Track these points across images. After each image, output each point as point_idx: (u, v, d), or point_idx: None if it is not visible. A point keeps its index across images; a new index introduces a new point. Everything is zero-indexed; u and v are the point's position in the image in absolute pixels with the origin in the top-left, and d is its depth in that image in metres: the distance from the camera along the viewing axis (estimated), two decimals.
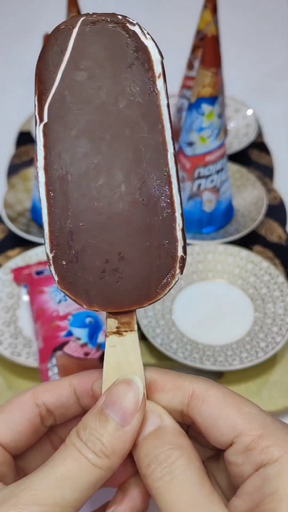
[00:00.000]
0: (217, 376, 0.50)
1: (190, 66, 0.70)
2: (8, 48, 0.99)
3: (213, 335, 0.51)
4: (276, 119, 0.81)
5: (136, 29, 0.28)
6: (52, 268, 0.27)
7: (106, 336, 0.28)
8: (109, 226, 0.27)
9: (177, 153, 0.59)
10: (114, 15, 0.28)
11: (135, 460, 0.24)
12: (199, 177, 0.58)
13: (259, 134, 0.77)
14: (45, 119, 0.26)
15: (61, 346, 0.45)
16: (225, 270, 0.56)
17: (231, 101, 0.78)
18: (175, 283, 0.28)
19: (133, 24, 0.28)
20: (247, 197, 0.65)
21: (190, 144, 0.57)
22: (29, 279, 0.53)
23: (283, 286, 0.53)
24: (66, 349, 0.45)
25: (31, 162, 0.72)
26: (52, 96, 0.27)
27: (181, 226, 0.27)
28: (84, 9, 0.67)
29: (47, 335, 0.46)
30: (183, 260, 0.27)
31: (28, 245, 0.60)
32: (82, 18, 0.27)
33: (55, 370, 0.43)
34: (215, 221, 0.61)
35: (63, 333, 0.46)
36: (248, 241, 0.61)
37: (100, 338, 0.46)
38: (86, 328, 0.46)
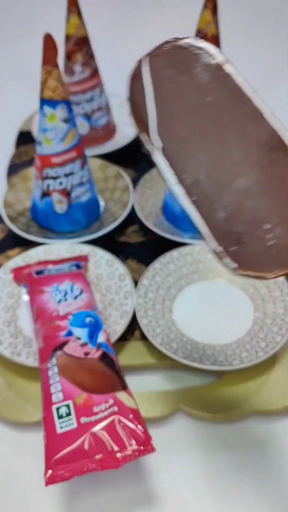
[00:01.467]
0: (217, 376, 0.50)
1: None
2: (9, 47, 0.99)
3: (213, 334, 0.51)
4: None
5: (188, 40, 0.32)
6: (226, 260, 0.29)
7: None
8: (251, 198, 0.28)
9: None
10: (167, 42, 0.33)
11: None
12: None
13: None
14: (160, 144, 0.30)
15: (61, 346, 0.44)
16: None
17: None
18: None
19: (184, 39, 0.33)
20: None
21: None
22: (29, 279, 0.53)
23: (283, 286, 0.53)
24: (66, 348, 0.44)
25: (31, 161, 0.72)
26: (157, 124, 0.31)
27: None
28: (84, 10, 0.67)
29: (47, 335, 0.46)
30: None
31: (28, 244, 0.60)
32: (148, 57, 0.32)
33: (55, 369, 0.43)
34: None
35: (63, 332, 0.45)
36: None
37: (100, 338, 0.46)
38: (86, 328, 0.46)
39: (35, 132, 0.74)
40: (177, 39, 0.32)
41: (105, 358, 0.44)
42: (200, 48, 0.32)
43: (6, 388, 0.48)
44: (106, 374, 0.42)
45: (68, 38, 0.68)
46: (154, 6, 1.10)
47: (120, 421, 0.39)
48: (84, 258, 0.56)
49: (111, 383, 0.42)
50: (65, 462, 0.37)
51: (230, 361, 0.48)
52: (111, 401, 0.40)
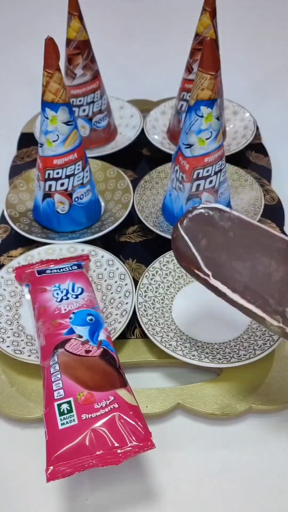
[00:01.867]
0: (215, 373, 0.50)
1: (189, 69, 0.71)
2: (11, 51, 1.00)
3: (211, 332, 0.52)
4: (274, 121, 0.82)
5: (201, 207, 0.46)
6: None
7: None
8: (286, 283, 0.43)
9: (177, 155, 0.60)
10: (189, 211, 0.46)
11: None
12: (198, 178, 0.59)
13: (257, 136, 0.78)
14: (209, 272, 0.42)
15: (62, 344, 0.45)
16: None
17: (229, 104, 0.78)
18: None
19: (197, 207, 0.46)
20: (245, 197, 0.65)
21: (189, 145, 0.58)
22: (31, 278, 0.53)
23: None
24: (68, 346, 0.44)
25: (33, 163, 0.73)
26: (201, 260, 0.43)
27: None
28: (85, 13, 0.68)
29: (49, 333, 0.46)
30: None
31: (30, 244, 0.61)
32: (179, 223, 0.45)
33: (57, 367, 0.43)
34: None
35: (65, 331, 0.46)
36: None
37: (101, 336, 0.46)
38: (87, 326, 0.47)
39: (37, 134, 0.74)
40: (194, 208, 0.45)
41: (105, 355, 0.44)
42: (213, 208, 0.45)
43: (8, 385, 0.49)
44: (107, 372, 0.43)
45: (69, 41, 0.69)
46: (154, 9, 1.10)
47: (120, 418, 0.39)
48: (85, 258, 0.57)
49: (112, 381, 0.42)
50: (66, 459, 0.37)
51: (228, 359, 0.48)
52: (111, 398, 0.40)
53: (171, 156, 0.64)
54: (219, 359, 0.48)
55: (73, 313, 0.48)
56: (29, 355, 0.49)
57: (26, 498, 0.43)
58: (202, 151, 0.57)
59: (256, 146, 0.77)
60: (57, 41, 0.53)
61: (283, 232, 0.64)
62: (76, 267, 0.55)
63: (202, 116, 0.56)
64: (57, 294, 0.50)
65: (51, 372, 0.43)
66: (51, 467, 0.37)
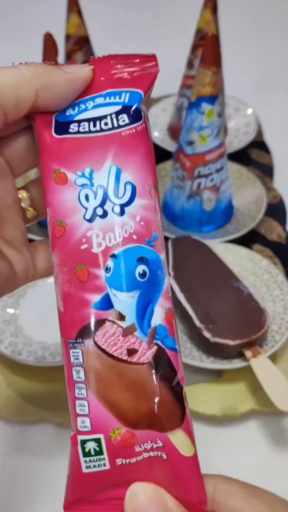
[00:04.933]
0: (216, 374, 0.50)
1: (190, 65, 0.70)
2: (9, 46, 0.99)
3: None
4: (276, 118, 0.81)
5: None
6: (205, 332, 0.48)
7: None
8: (221, 305, 0.51)
9: (177, 152, 0.60)
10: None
11: None
12: (199, 176, 0.58)
13: (259, 133, 0.77)
14: (172, 273, 0.54)
15: (90, 329, 0.25)
16: None
17: (231, 100, 0.78)
18: None
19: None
20: (247, 196, 0.65)
21: (190, 143, 0.57)
22: (44, 140, 0.26)
23: (283, 285, 0.53)
24: (99, 337, 0.25)
25: None
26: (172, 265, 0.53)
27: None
28: (84, 9, 0.67)
29: (69, 292, 0.26)
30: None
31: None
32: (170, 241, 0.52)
33: (81, 373, 0.26)
34: (215, 220, 0.61)
35: (96, 297, 0.25)
36: (248, 240, 0.61)
37: (157, 314, 0.26)
38: (135, 292, 0.25)
39: None
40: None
41: (159, 363, 0.26)
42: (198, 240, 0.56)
43: (6, 387, 0.48)
44: (161, 395, 0.26)
45: (68, 37, 0.68)
46: (154, 5, 1.09)
47: (167, 474, 0.27)
48: (149, 75, 0.27)
49: (166, 413, 0.26)
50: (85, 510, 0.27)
51: (229, 360, 0.48)
52: (159, 443, 0.26)
53: (172, 154, 0.63)
54: (221, 360, 0.48)
55: (113, 256, 0.25)
56: (27, 356, 0.48)
57: (25, 501, 0.43)
58: (203, 148, 0.57)
59: (259, 144, 0.76)
60: (56, 37, 0.53)
61: (285, 231, 0.63)
62: (126, 118, 0.26)
63: (203, 113, 0.55)
64: (87, 197, 0.26)
65: (74, 378, 0.26)
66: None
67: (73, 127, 0.26)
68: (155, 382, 0.25)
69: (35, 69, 0.25)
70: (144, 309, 0.26)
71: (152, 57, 0.27)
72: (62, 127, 0.26)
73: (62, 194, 0.26)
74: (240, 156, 0.72)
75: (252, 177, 0.66)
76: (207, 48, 0.54)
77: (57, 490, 0.43)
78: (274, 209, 0.66)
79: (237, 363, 0.47)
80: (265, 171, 0.71)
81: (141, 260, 0.26)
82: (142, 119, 0.26)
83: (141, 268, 0.25)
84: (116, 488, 0.25)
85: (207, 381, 0.49)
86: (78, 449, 0.26)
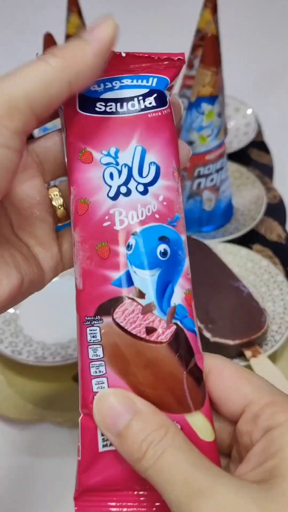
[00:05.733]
0: None
1: (190, 65, 0.70)
2: (9, 47, 0.99)
3: None
4: (276, 118, 0.81)
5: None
6: (204, 332, 0.48)
7: None
8: (221, 306, 0.51)
9: None
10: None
11: (122, 451, 0.25)
12: (199, 176, 0.58)
13: (259, 133, 0.77)
14: None
15: (109, 306, 0.25)
16: None
17: (230, 100, 0.78)
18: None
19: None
20: (246, 196, 0.65)
21: (190, 143, 0.57)
22: (70, 113, 0.26)
23: (283, 285, 0.53)
24: (118, 314, 0.25)
25: None
26: None
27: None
28: (84, 9, 0.67)
29: (89, 269, 0.25)
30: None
31: None
32: None
33: (99, 351, 0.25)
34: (215, 220, 0.61)
35: (117, 275, 0.25)
36: (248, 240, 0.61)
37: (177, 294, 0.25)
38: (156, 270, 0.25)
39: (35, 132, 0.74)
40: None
41: (177, 342, 0.25)
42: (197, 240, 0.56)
43: (6, 386, 0.48)
44: (177, 377, 0.25)
45: (68, 37, 0.68)
46: (154, 5, 1.09)
47: None
48: (174, 67, 0.27)
49: (182, 395, 0.25)
50: (99, 493, 0.26)
51: (229, 359, 0.48)
52: (177, 426, 0.25)
53: None
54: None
55: (135, 234, 0.25)
56: (27, 356, 0.48)
57: (24, 500, 0.43)
58: (203, 148, 0.57)
59: (258, 144, 0.76)
60: (56, 37, 0.53)
61: (285, 231, 0.63)
62: (153, 101, 0.26)
63: (203, 113, 0.55)
64: (111, 176, 0.26)
65: (90, 356, 0.25)
66: (80, 501, 0.26)
67: (100, 106, 0.26)
68: (174, 361, 0.25)
69: (63, 58, 0.23)
70: (164, 288, 0.25)
71: (180, 53, 0.27)
72: (88, 104, 0.26)
73: (87, 173, 0.26)
74: (240, 156, 0.72)
75: (252, 177, 0.66)
76: (207, 48, 0.54)
77: (57, 490, 0.44)
78: (274, 209, 0.66)
79: (237, 362, 0.47)
80: (265, 171, 0.72)
81: (162, 239, 0.25)
82: (168, 105, 0.26)
83: (162, 247, 0.25)
84: (133, 473, 0.25)
85: None
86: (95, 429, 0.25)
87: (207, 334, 0.48)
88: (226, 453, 0.27)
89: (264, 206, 0.62)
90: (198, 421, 0.25)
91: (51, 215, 0.28)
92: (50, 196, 0.28)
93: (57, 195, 0.28)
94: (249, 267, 0.56)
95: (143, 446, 0.24)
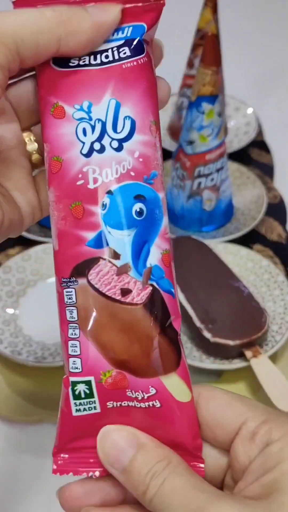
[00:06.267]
0: (216, 374, 0.50)
1: (190, 64, 0.70)
2: None
3: None
4: (276, 118, 0.81)
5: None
6: (205, 332, 0.48)
7: None
8: (221, 305, 0.51)
9: (177, 152, 0.60)
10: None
11: (128, 486, 0.25)
12: (199, 176, 0.58)
13: (259, 133, 0.77)
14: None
15: (84, 267, 0.25)
16: None
17: (231, 100, 0.78)
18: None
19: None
20: (247, 195, 0.65)
21: (190, 142, 0.57)
22: (44, 71, 0.25)
23: (283, 285, 0.53)
24: (93, 276, 0.24)
25: None
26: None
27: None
28: None
29: (64, 229, 0.25)
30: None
31: (28, 243, 0.60)
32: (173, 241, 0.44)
33: (74, 313, 0.25)
34: (215, 220, 0.61)
35: (92, 235, 0.24)
36: (248, 240, 0.61)
37: (154, 254, 0.25)
38: (131, 231, 0.24)
39: None
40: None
41: (154, 304, 0.25)
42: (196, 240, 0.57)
43: (6, 386, 0.48)
44: (152, 338, 0.25)
45: None
46: None
47: (160, 422, 0.26)
48: (153, 10, 0.26)
49: (158, 357, 0.25)
50: (74, 454, 0.26)
51: (229, 360, 0.48)
52: (152, 391, 0.25)
53: (172, 153, 0.63)
54: (220, 360, 0.48)
55: (109, 193, 0.24)
56: (27, 356, 0.48)
57: (23, 500, 0.43)
58: (203, 148, 0.57)
59: (259, 143, 0.76)
60: None
61: (286, 231, 0.63)
62: (128, 51, 0.25)
63: (203, 113, 0.55)
64: (84, 132, 0.24)
65: (67, 318, 0.25)
66: (57, 460, 0.26)
67: (73, 61, 0.25)
68: (149, 324, 0.25)
69: (60, 14, 0.23)
70: (140, 249, 0.25)
71: None
72: (62, 60, 0.25)
73: (59, 129, 0.25)
74: (240, 156, 0.72)
75: (252, 176, 0.66)
76: (207, 47, 0.54)
77: (57, 489, 0.43)
78: (274, 209, 0.65)
79: (237, 363, 0.47)
80: (265, 171, 0.71)
81: (138, 198, 0.24)
82: (145, 53, 0.25)
83: (138, 206, 0.25)
84: None
85: (207, 381, 0.49)
86: (68, 392, 0.25)
87: (207, 335, 0.48)
88: (218, 482, 0.27)
89: (264, 206, 0.62)
90: (173, 382, 0.25)
91: (28, 160, 0.28)
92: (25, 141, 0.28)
93: (31, 140, 0.28)
94: (249, 267, 0.56)
95: (147, 478, 0.24)
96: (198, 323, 0.49)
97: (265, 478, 0.23)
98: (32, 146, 0.28)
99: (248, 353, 0.47)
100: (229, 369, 0.48)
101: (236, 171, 0.67)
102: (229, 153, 0.69)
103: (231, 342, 0.47)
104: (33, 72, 0.26)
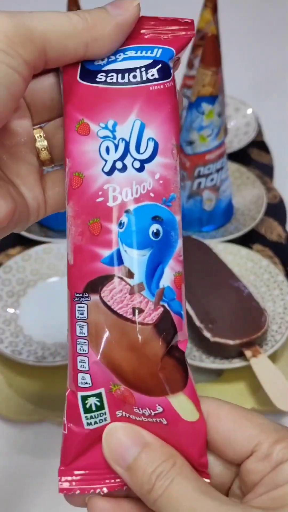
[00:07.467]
0: (216, 374, 0.50)
1: (190, 65, 0.70)
2: None
3: None
4: (276, 118, 0.81)
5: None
6: (205, 332, 0.49)
7: None
8: (221, 305, 0.52)
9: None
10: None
11: (132, 484, 0.25)
12: (199, 176, 0.58)
13: (259, 133, 0.77)
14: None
15: (97, 284, 0.25)
16: None
17: (231, 100, 0.78)
18: None
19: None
20: (247, 195, 0.65)
21: (190, 143, 0.57)
22: (69, 83, 0.26)
23: (283, 285, 0.53)
24: (106, 293, 0.24)
25: None
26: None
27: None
28: (84, 7, 0.67)
29: (80, 245, 0.25)
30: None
31: (29, 243, 0.61)
32: None
33: (85, 328, 0.25)
34: (215, 220, 0.61)
35: (107, 252, 0.25)
36: (248, 240, 0.61)
37: (167, 275, 0.25)
38: (147, 250, 0.25)
39: None
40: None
41: (163, 324, 0.25)
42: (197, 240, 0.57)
43: (6, 386, 0.48)
44: (160, 358, 0.25)
45: None
46: (154, 4, 1.09)
47: (167, 439, 0.25)
48: (183, 38, 0.27)
49: (167, 376, 0.25)
50: (84, 470, 0.26)
51: (229, 359, 0.48)
52: (159, 409, 0.25)
53: None
54: (220, 359, 0.48)
55: (128, 212, 0.25)
56: (27, 356, 0.48)
57: (24, 500, 0.43)
58: (203, 148, 0.57)
59: (259, 144, 0.76)
60: None
61: (285, 231, 0.63)
62: (156, 73, 0.25)
63: (203, 113, 0.55)
64: (107, 150, 0.25)
65: (77, 333, 0.25)
66: (64, 479, 0.27)
67: (101, 77, 0.25)
68: (158, 344, 0.24)
69: (85, 20, 0.24)
70: (154, 269, 0.25)
71: (190, 23, 0.27)
72: (89, 75, 0.25)
73: (83, 145, 0.25)
74: (240, 156, 0.72)
75: (252, 176, 0.66)
76: (207, 48, 0.54)
77: (57, 489, 0.43)
78: (274, 209, 0.66)
79: (237, 363, 0.47)
80: (265, 171, 0.71)
81: (155, 219, 0.25)
82: (171, 77, 0.25)
83: (155, 227, 0.25)
84: None
85: (207, 380, 0.49)
86: (79, 406, 0.25)
87: (207, 334, 0.48)
88: (224, 489, 0.27)
89: (264, 206, 0.62)
90: (180, 402, 0.25)
91: (36, 157, 0.28)
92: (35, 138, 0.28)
93: (40, 136, 0.28)
94: (249, 267, 0.56)
95: (152, 477, 0.24)
96: (198, 322, 0.49)
97: (275, 492, 0.23)
98: (41, 143, 0.28)
99: (248, 353, 0.47)
100: (229, 369, 0.48)
101: (236, 171, 0.67)
102: (229, 153, 0.69)
103: (231, 342, 0.47)
104: (51, 74, 0.27)
